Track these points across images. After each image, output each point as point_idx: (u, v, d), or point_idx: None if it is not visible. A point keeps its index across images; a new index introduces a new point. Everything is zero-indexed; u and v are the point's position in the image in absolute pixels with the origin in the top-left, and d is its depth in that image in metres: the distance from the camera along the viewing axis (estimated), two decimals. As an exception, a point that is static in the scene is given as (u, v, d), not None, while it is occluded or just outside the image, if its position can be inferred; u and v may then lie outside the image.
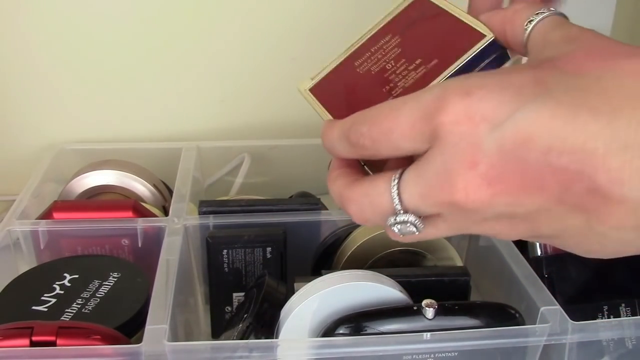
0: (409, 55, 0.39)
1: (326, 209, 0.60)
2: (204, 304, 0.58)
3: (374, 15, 0.80)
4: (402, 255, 0.52)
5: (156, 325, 0.42)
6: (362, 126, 0.32)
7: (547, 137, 0.26)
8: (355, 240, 0.52)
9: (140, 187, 0.63)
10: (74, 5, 0.68)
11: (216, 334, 0.54)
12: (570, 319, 0.44)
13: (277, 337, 0.44)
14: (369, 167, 0.36)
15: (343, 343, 0.41)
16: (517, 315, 0.43)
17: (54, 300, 0.46)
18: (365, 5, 0.76)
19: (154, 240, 0.53)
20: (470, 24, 0.37)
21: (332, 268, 0.53)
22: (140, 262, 0.52)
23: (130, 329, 0.44)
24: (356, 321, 0.42)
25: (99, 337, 0.41)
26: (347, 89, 0.42)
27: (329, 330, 0.42)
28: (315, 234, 0.56)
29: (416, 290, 0.45)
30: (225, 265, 0.52)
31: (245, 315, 0.45)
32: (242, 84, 0.76)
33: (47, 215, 0.55)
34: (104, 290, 0.48)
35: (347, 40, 0.74)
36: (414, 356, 0.42)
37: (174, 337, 0.44)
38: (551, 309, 0.44)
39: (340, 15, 0.76)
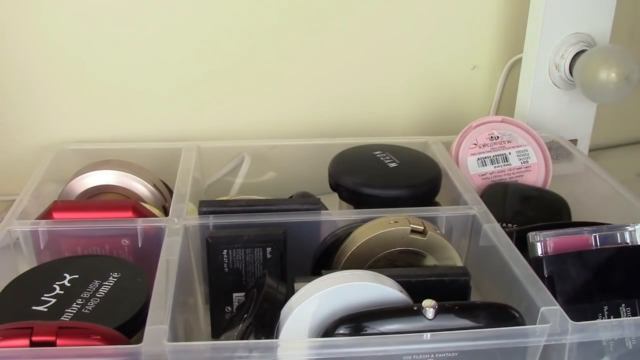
0: None
1: (326, 209, 0.60)
2: (204, 304, 0.58)
3: (374, 15, 0.80)
4: (402, 255, 0.52)
5: (156, 325, 0.42)
6: None
7: None
8: (355, 240, 0.52)
9: (140, 187, 0.63)
10: (74, 6, 0.68)
11: (216, 334, 0.54)
12: (571, 319, 0.44)
13: (277, 337, 0.44)
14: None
15: (343, 343, 0.41)
16: (518, 315, 0.43)
17: (54, 300, 0.46)
18: (366, 5, 0.76)
19: (154, 240, 0.53)
20: None
21: (332, 268, 0.53)
22: (140, 262, 0.52)
23: (130, 329, 0.44)
24: (356, 321, 0.42)
25: (99, 337, 0.41)
26: None
27: (329, 331, 0.42)
28: (315, 234, 0.56)
29: (416, 290, 0.45)
30: (225, 265, 0.52)
31: (245, 316, 0.45)
32: (242, 84, 0.76)
33: (47, 215, 0.55)
34: (104, 290, 0.47)
35: (346, 38, 0.74)
36: (414, 356, 0.42)
37: (174, 337, 0.44)
38: (551, 309, 0.44)
39: (341, 15, 0.76)
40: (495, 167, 0.68)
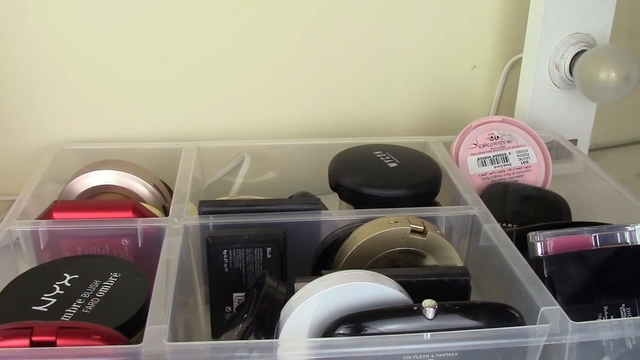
0: None
1: (326, 209, 0.60)
2: (204, 304, 0.58)
3: (374, 15, 0.80)
4: (402, 255, 0.52)
5: (156, 325, 0.42)
6: None
7: None
8: (355, 240, 0.52)
9: (140, 187, 0.63)
10: (74, 6, 0.68)
11: (216, 334, 0.54)
12: (571, 319, 0.44)
13: (277, 337, 0.44)
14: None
15: (343, 343, 0.41)
16: (518, 315, 0.43)
17: (54, 300, 0.46)
18: (366, 5, 0.76)
19: (154, 240, 0.53)
20: None
21: (332, 268, 0.53)
22: (140, 262, 0.52)
23: (130, 329, 0.44)
24: (356, 321, 0.42)
25: (99, 337, 0.41)
26: None
27: (329, 331, 0.42)
28: (315, 234, 0.56)
29: (416, 290, 0.45)
30: (225, 265, 0.52)
31: (245, 316, 0.45)
32: (242, 84, 0.76)
33: (47, 215, 0.55)
34: (104, 290, 0.47)
35: (346, 38, 0.74)
36: (414, 356, 0.42)
37: (174, 337, 0.44)
38: (551, 309, 0.44)
39: (341, 15, 0.76)
40: (495, 167, 0.68)
